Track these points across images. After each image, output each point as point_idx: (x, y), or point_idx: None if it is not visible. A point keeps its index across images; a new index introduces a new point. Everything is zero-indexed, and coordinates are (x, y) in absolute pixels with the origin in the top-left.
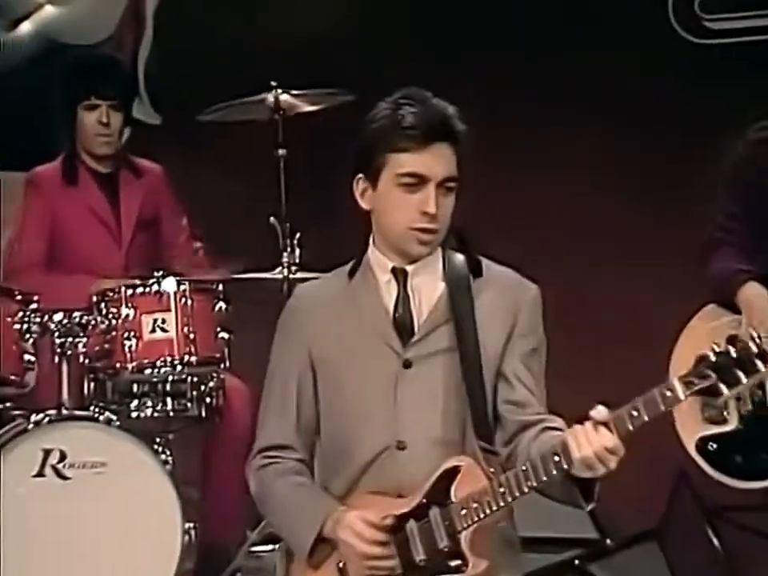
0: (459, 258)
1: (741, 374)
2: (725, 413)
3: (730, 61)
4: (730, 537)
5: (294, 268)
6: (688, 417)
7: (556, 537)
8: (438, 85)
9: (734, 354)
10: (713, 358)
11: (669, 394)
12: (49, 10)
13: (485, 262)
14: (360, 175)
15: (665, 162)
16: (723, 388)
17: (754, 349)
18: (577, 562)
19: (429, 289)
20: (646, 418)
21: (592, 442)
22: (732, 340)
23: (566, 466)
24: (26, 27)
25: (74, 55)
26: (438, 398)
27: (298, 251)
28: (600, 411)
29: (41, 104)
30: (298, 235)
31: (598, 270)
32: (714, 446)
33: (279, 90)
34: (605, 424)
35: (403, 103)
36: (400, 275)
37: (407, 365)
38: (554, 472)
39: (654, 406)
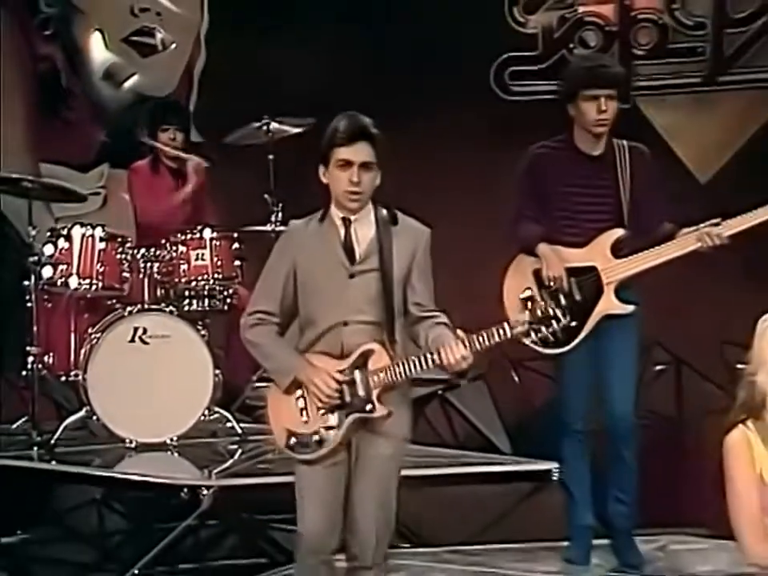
0: (383, 212)
1: (554, 323)
2: (538, 312)
3: (526, 110)
4: (524, 376)
5: (278, 223)
6: (512, 312)
7: (426, 378)
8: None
9: (550, 311)
10: (539, 313)
11: (511, 328)
12: (138, 76)
13: (399, 214)
14: (321, 164)
15: (490, 169)
16: (543, 328)
17: (559, 295)
18: (439, 392)
19: (365, 231)
20: (495, 341)
21: (454, 351)
22: (536, 272)
23: (438, 363)
24: (126, 86)
25: (154, 101)
26: (369, 297)
27: (281, 214)
28: (459, 332)
29: (134, 129)
30: (280, 205)
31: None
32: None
33: (269, 120)
34: (463, 341)
35: (340, 119)
36: (347, 222)
37: (351, 276)
38: (432, 365)
39: (503, 334)
